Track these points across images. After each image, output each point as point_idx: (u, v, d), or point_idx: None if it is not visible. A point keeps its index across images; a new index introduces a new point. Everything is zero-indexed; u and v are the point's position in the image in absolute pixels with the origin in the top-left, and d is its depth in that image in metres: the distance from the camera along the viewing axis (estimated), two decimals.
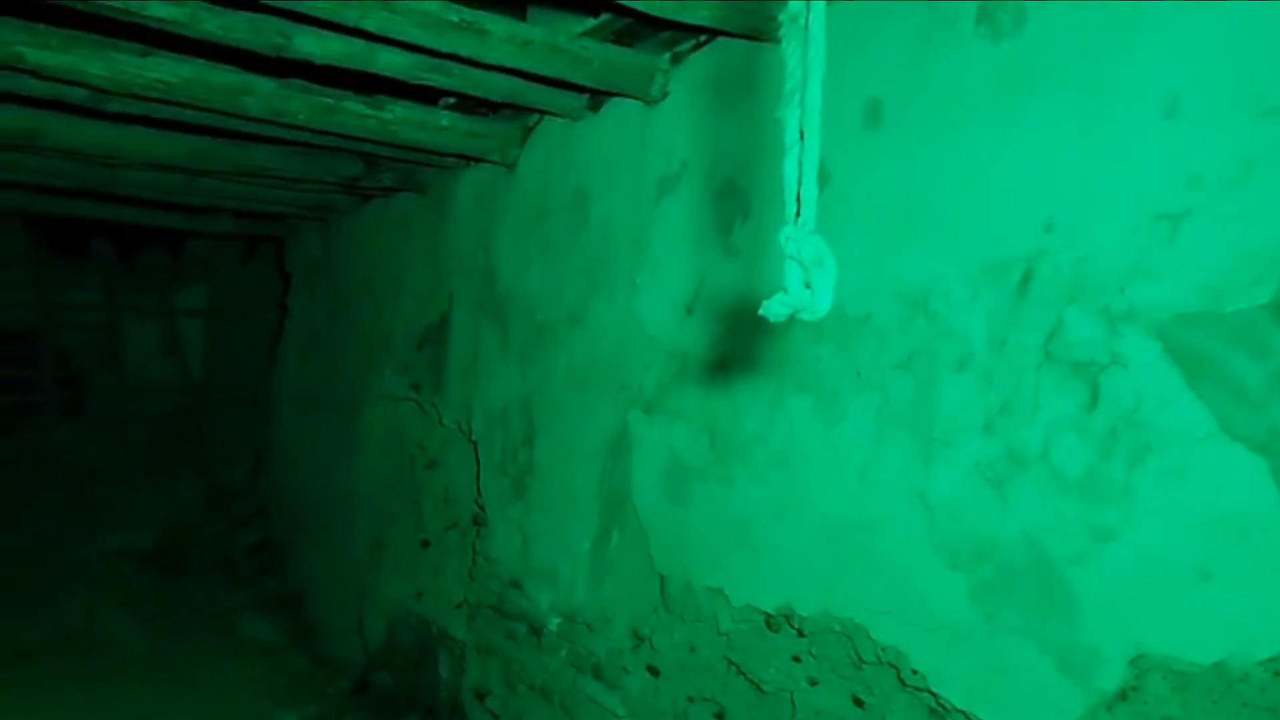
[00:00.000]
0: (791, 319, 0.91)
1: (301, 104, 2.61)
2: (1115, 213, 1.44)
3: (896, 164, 1.81)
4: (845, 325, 1.89)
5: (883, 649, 1.82)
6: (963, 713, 1.69)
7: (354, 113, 2.69)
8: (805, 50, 0.88)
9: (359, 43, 2.18)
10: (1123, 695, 1.43)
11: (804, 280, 0.93)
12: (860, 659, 1.89)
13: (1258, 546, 1.27)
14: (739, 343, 2.13)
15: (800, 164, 0.90)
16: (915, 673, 1.76)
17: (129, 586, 5.56)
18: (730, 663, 2.25)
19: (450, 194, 3.46)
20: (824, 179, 1.94)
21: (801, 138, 0.90)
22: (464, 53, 2.14)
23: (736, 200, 2.15)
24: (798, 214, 0.91)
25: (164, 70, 2.38)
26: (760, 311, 0.93)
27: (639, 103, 2.47)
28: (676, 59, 2.35)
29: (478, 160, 3.14)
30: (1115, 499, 1.44)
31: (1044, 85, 1.55)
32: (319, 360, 4.95)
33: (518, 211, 3.01)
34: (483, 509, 3.28)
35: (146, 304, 7.33)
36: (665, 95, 2.39)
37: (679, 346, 2.31)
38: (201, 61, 2.41)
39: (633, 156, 2.50)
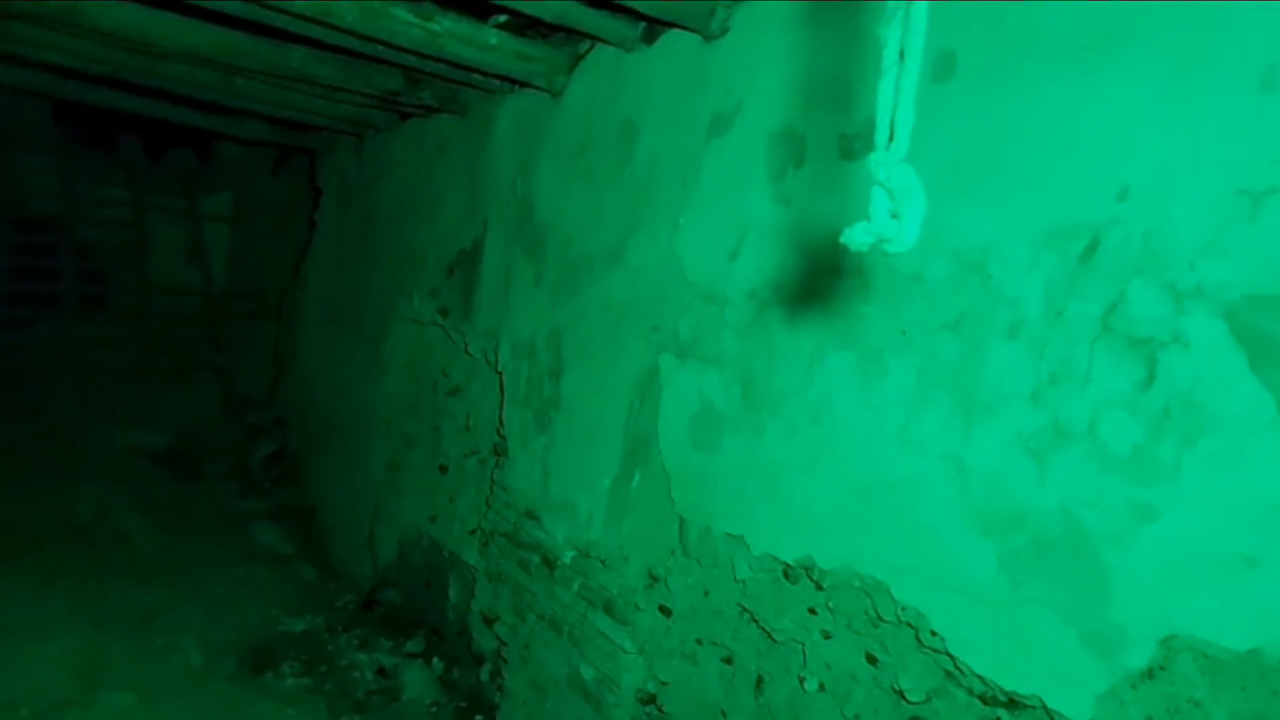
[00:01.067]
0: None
1: (349, 5, 2.55)
2: (1195, 186, 1.39)
3: (964, 119, 1.75)
4: (895, 282, 1.86)
5: (903, 608, 1.84)
6: (980, 677, 1.71)
7: (401, 20, 2.63)
8: None
9: None
10: (1149, 674, 1.44)
11: (890, 210, 0.91)
12: (879, 616, 1.91)
13: None
14: (782, 293, 2.11)
15: (898, 87, 0.87)
16: (934, 634, 1.78)
17: (142, 484, 5.67)
18: (744, 609, 2.28)
19: (492, 118, 3.40)
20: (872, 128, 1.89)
21: (901, 58, 0.87)
22: None
23: (792, 146, 2.10)
24: (890, 139, 0.89)
25: None
26: (842, 239, 0.91)
27: (697, 37, 2.40)
28: None
29: (523, 85, 3.08)
30: (1162, 479, 1.43)
31: (1133, 47, 1.49)
32: (346, 278, 4.95)
33: (561, 141, 2.97)
34: (504, 439, 3.31)
35: (172, 205, 7.33)
36: (725, 31, 2.32)
37: (718, 292, 2.29)
38: None
39: (686, 93, 2.44)
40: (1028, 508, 1.62)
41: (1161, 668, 1.43)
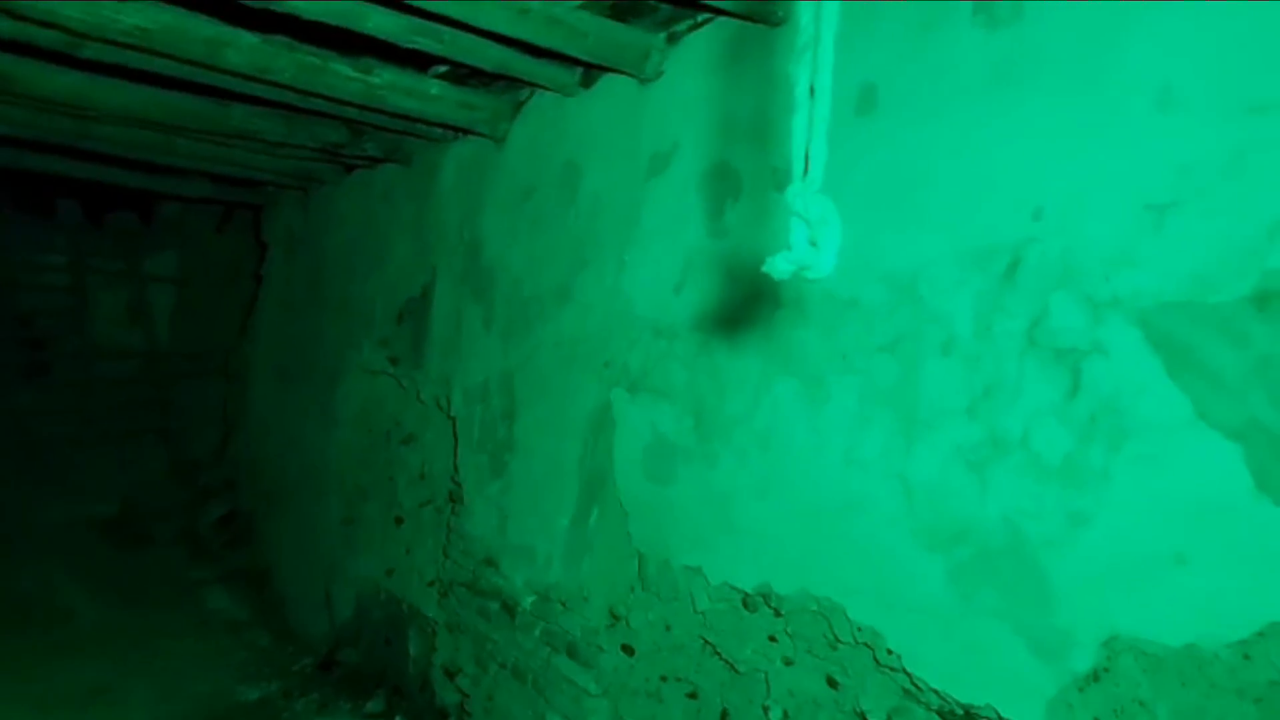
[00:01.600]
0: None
1: (286, 62, 2.58)
2: (1104, 202, 1.48)
3: (888, 150, 1.84)
4: (832, 308, 1.92)
5: (859, 629, 1.86)
6: (936, 692, 1.73)
7: (341, 75, 2.67)
8: (819, 6, 0.91)
9: (350, 0, 2.17)
10: (1094, 676, 1.48)
11: (809, 238, 0.96)
12: (836, 638, 1.93)
13: (1231, 532, 1.32)
14: (726, 324, 2.16)
15: (810, 121, 0.93)
16: (890, 652, 1.80)
17: (88, 556, 5.50)
18: (706, 642, 2.28)
19: (437, 166, 3.45)
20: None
21: (812, 94, 0.92)
22: (458, 16, 2.14)
23: (727, 182, 2.17)
24: (805, 171, 0.94)
25: (143, 16, 2.30)
26: (764, 269, 0.95)
27: (633, 81, 2.48)
28: (673, 39, 2.36)
29: (466, 132, 3.13)
30: (1093, 484, 1.49)
31: (1037, 75, 1.59)
32: (294, 332, 4.92)
33: (506, 186, 3.02)
34: (459, 485, 3.29)
35: (114, 268, 7.22)
36: (660, 74, 2.40)
37: (666, 325, 2.33)
38: (182, 9, 2.35)
39: (625, 134, 2.51)
40: (971, 520, 1.66)
41: (1106, 669, 1.47)
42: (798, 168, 0.96)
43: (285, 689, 4.12)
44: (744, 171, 2.12)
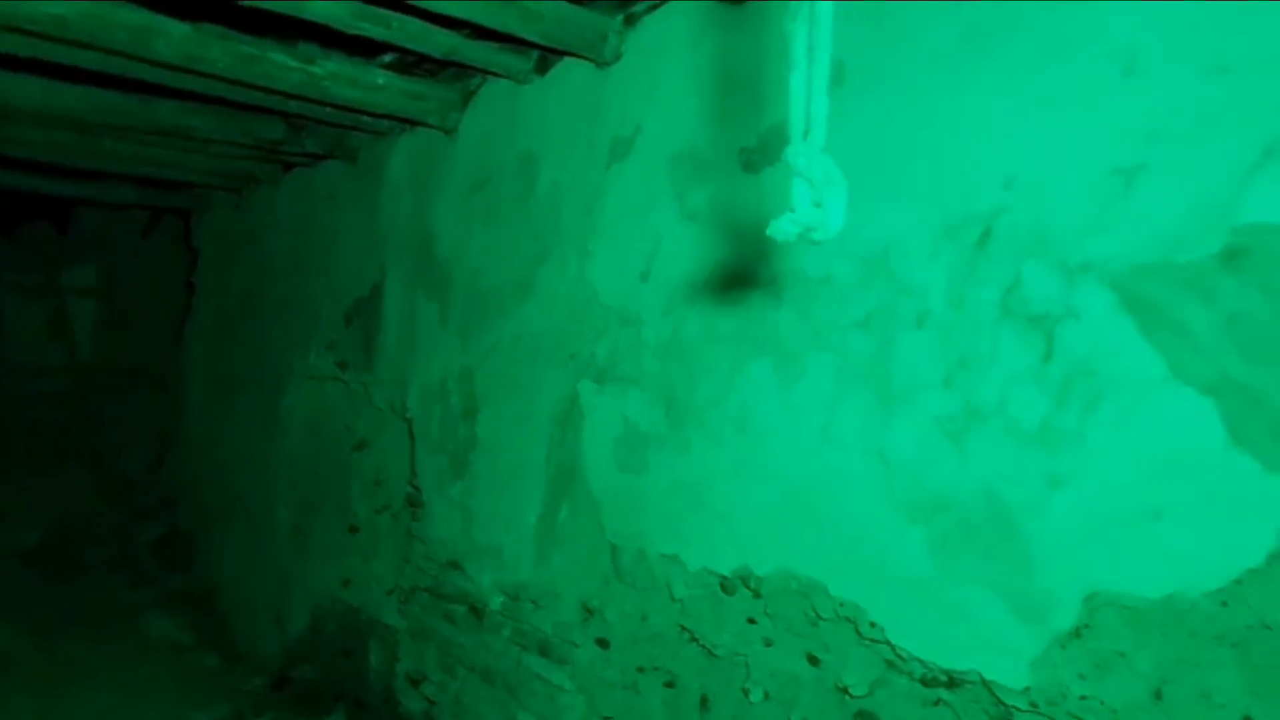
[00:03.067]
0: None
1: (220, 52, 2.48)
2: (1073, 168, 1.53)
3: (856, 124, 1.86)
4: (805, 287, 1.94)
5: (841, 604, 1.89)
6: (920, 660, 1.77)
7: (279, 65, 2.59)
8: None
9: None
10: (1076, 633, 1.53)
11: (813, 199, 0.97)
12: (818, 615, 1.95)
13: (1206, 484, 1.37)
14: (696, 308, 2.17)
15: (810, 79, 0.93)
16: (873, 625, 1.83)
17: (15, 588, 5.25)
18: (683, 629, 2.29)
19: (384, 161, 3.38)
20: (783, 137, 2.00)
21: (810, 51, 0.93)
22: None
23: (693, 165, 2.18)
24: (806, 131, 0.94)
25: (60, 4, 2.16)
26: (768, 232, 0.96)
27: (590, 65, 2.47)
28: (630, 20, 2.36)
29: (415, 124, 3.08)
30: (1069, 446, 1.53)
31: (1004, 44, 1.64)
32: (233, 340, 4.77)
33: (459, 178, 2.98)
34: (418, 489, 3.24)
35: (29, 282, 6.90)
36: (618, 57, 2.40)
37: (633, 313, 2.33)
38: None
39: (583, 121, 2.50)
40: (950, 489, 1.70)
41: (1087, 626, 1.51)
42: (797, 128, 0.97)
43: (237, 711, 3.99)
44: (710, 153, 2.13)
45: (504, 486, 2.84)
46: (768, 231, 0.96)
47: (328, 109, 2.97)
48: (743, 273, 2.04)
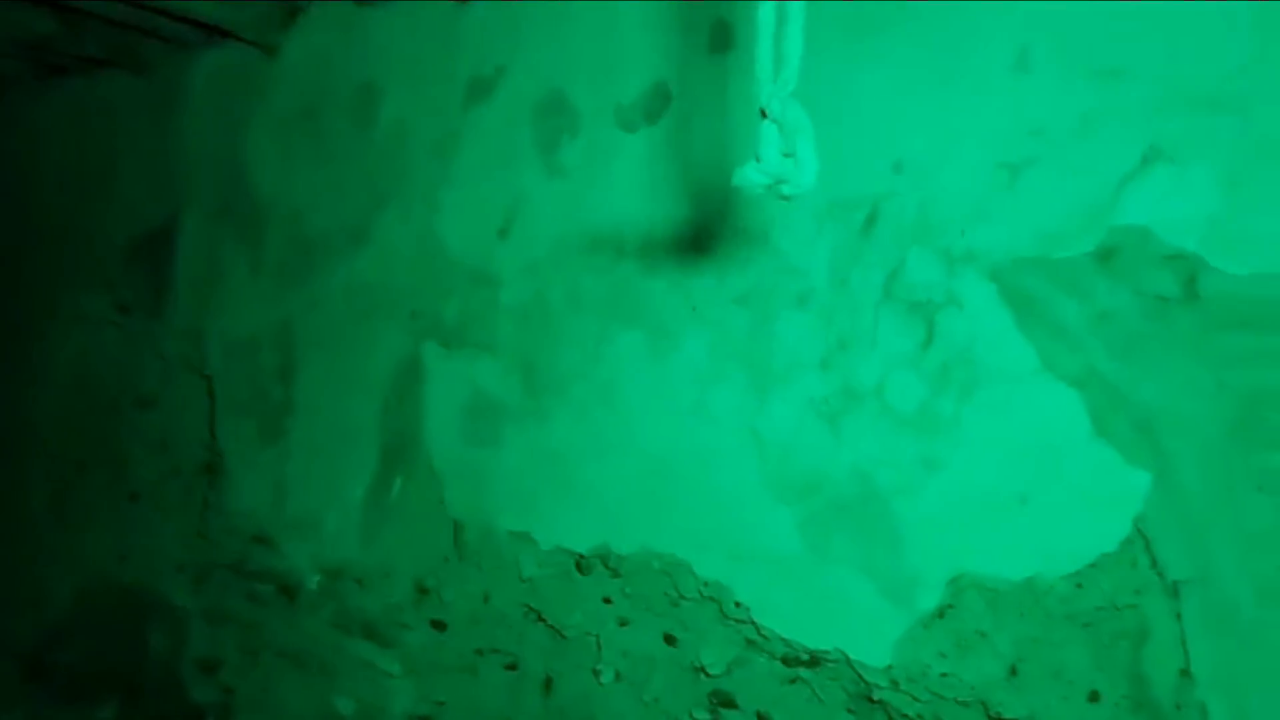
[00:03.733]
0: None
1: None
2: (961, 158, 1.55)
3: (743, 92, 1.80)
4: (682, 258, 1.87)
5: (706, 584, 1.87)
6: (783, 640, 1.78)
7: None
8: None
9: None
10: (940, 613, 1.59)
11: (783, 148, 0.88)
12: (680, 595, 1.92)
13: (1070, 472, 1.45)
14: (562, 273, 2.04)
15: (781, 13, 0.84)
16: (738, 605, 1.82)
17: None
18: (530, 609, 2.19)
19: (184, 76, 2.94)
20: (665, 97, 1.90)
21: None
22: None
23: (564, 116, 2.03)
24: (776, 72, 0.85)
25: None
26: (734, 181, 0.87)
27: None
28: None
29: (227, 35, 2.68)
30: (944, 432, 1.58)
31: (900, 29, 1.62)
32: None
33: (280, 106, 2.63)
34: (219, 454, 2.89)
35: None
36: None
37: (490, 273, 2.16)
38: None
39: (437, 55, 2.27)
40: (824, 471, 1.71)
41: (950, 606, 1.58)
42: (765, 67, 0.87)
43: None
44: (585, 105, 1.99)
45: (326, 455, 2.59)
46: (734, 181, 0.86)
47: (115, 2, 2.51)
48: (614, 239, 1.94)
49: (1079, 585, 1.46)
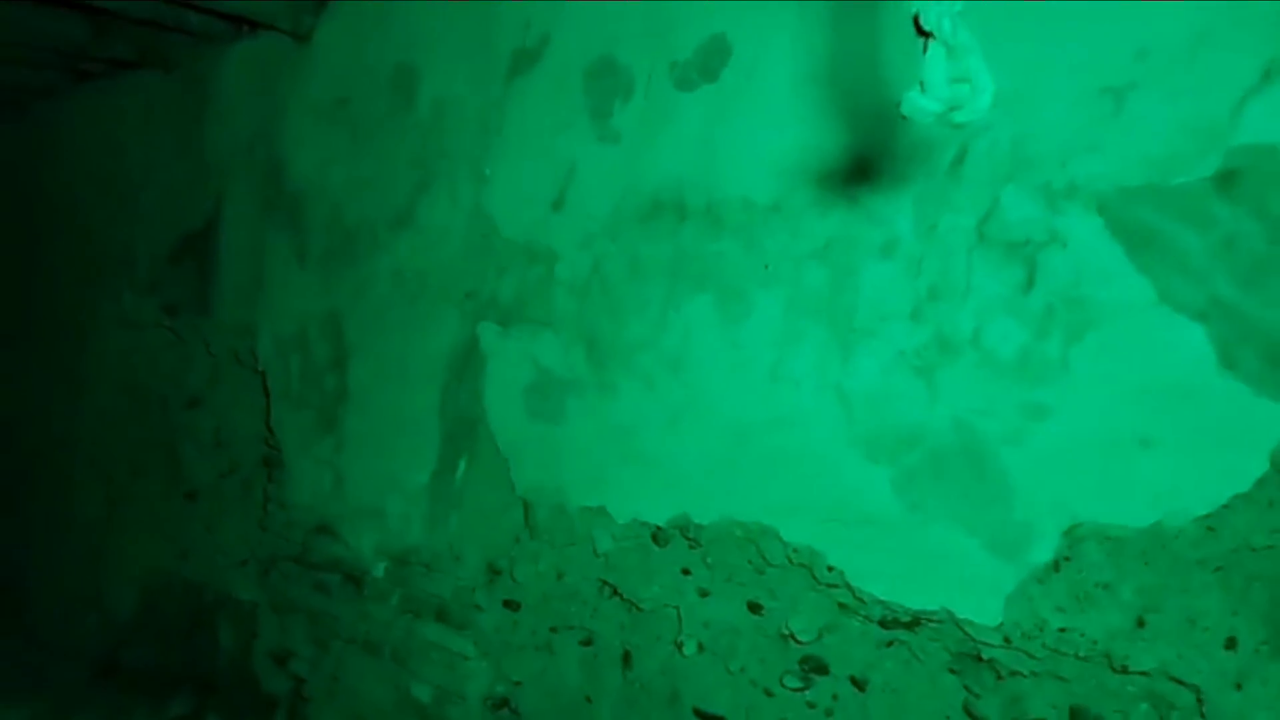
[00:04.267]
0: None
1: None
2: (1059, 86, 1.39)
3: (804, 37, 1.65)
4: (751, 215, 1.73)
5: (795, 550, 1.73)
6: (881, 603, 1.65)
7: None
8: None
9: None
10: (1055, 566, 1.45)
11: (951, 74, 0.74)
12: (766, 562, 1.79)
13: (1197, 411, 1.31)
14: (620, 241, 1.89)
15: None
16: (831, 569, 1.69)
17: None
18: (605, 584, 2.07)
19: (215, 71, 2.79)
20: (724, 50, 1.75)
21: None
22: None
23: (616, 78, 1.88)
24: None
25: None
26: (902, 110, 0.73)
27: None
28: None
29: (257, 26, 2.54)
30: (1051, 377, 1.43)
31: None
32: (10, 285, 3.92)
33: (316, 93, 2.49)
34: (277, 449, 2.77)
35: None
36: None
37: (544, 247, 2.02)
38: None
39: (475, 30, 2.12)
40: (918, 425, 1.57)
41: (1067, 558, 1.44)
42: None
43: (57, 705, 3.37)
44: (636, 66, 1.84)
45: (385, 443, 2.47)
46: (902, 110, 0.72)
47: (143, 2, 2.36)
48: (676, 201, 1.79)
49: (1211, 529, 1.32)
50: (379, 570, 2.50)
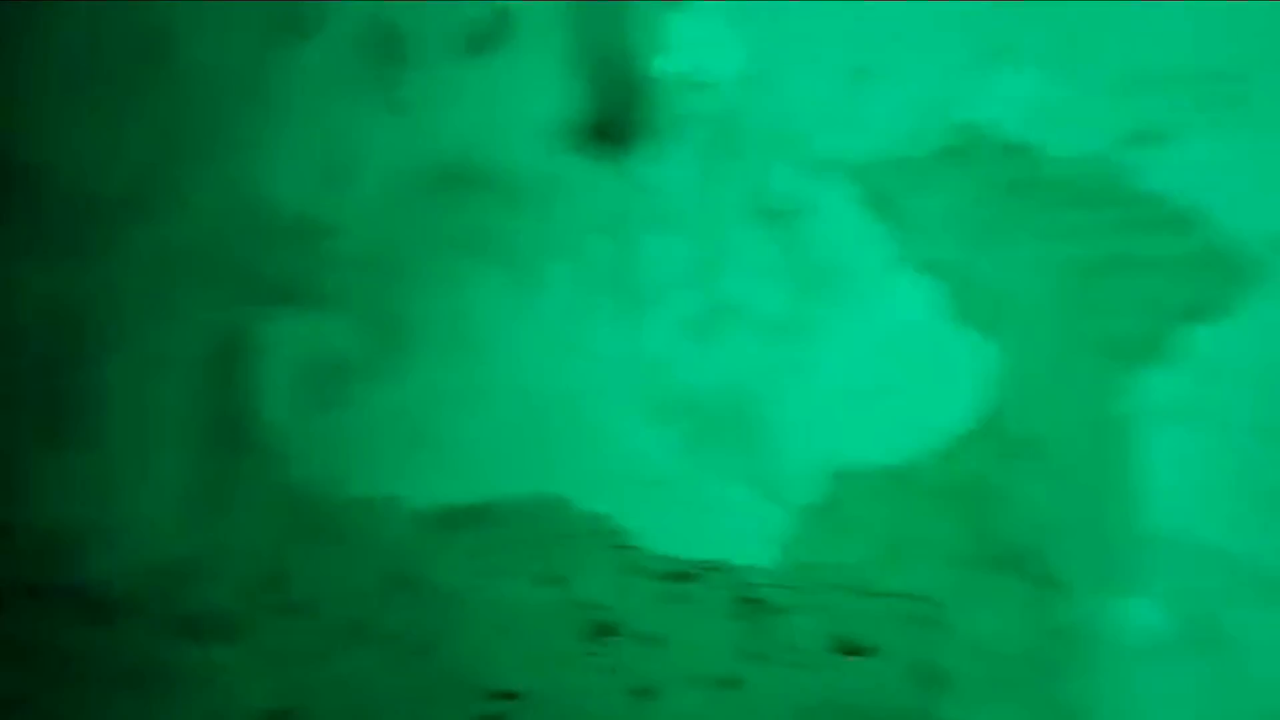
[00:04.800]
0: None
1: None
2: (817, 65, 1.48)
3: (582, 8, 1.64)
4: (538, 188, 1.68)
5: (587, 518, 1.70)
6: (666, 558, 1.66)
7: None
8: None
9: None
10: (821, 509, 1.53)
11: (694, 37, 0.74)
12: (560, 534, 1.74)
13: (935, 358, 1.45)
14: (408, 215, 1.77)
15: None
16: (621, 533, 1.68)
17: None
18: (395, 576, 1.91)
19: None
20: (507, 20, 1.69)
21: None
22: None
23: (397, 46, 1.76)
24: None
25: None
26: (653, 70, 0.71)
27: None
28: None
29: None
30: (810, 335, 1.52)
31: None
32: None
33: (49, 54, 2.11)
34: None
35: None
36: None
37: (323, 223, 1.85)
38: None
39: None
40: (700, 388, 1.61)
41: (834, 499, 1.52)
42: None
43: None
44: (421, 34, 1.74)
45: (133, 446, 2.13)
46: (652, 71, 0.70)
47: None
48: (466, 174, 1.71)
49: (948, 459, 1.44)
50: (134, 590, 2.15)
